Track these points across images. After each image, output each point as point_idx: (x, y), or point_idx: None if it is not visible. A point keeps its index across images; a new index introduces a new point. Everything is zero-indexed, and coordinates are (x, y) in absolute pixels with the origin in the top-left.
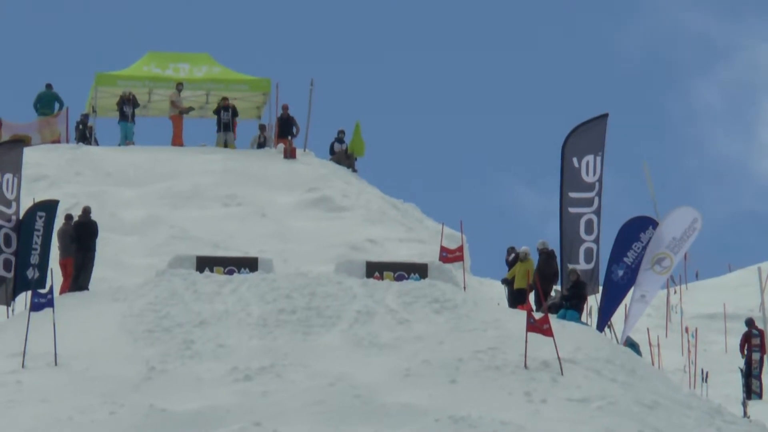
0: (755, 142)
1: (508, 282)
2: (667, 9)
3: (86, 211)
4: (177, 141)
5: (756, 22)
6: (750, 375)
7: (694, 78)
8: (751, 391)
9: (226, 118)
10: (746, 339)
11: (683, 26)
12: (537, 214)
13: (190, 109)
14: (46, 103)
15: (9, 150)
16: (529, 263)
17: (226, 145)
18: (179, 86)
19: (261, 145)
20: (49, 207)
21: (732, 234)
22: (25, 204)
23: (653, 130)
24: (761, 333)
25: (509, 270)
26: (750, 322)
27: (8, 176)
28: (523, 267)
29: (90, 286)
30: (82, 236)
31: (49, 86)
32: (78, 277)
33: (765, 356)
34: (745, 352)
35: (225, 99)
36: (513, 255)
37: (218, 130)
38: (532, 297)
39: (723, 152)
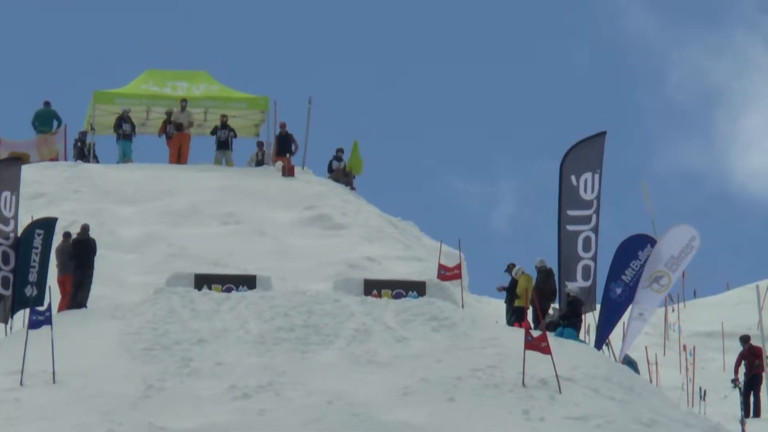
0: (715, 148)
1: (505, 289)
2: (614, 16)
3: (85, 228)
4: (173, 159)
5: (696, 29)
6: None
7: (646, 84)
8: (748, 407)
9: (223, 137)
10: (742, 357)
11: (628, 34)
12: (539, 233)
13: (181, 125)
14: (45, 120)
15: (7, 168)
16: (524, 279)
17: (224, 163)
18: (183, 103)
19: (259, 162)
20: (47, 224)
21: (730, 252)
22: (24, 221)
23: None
24: (757, 349)
25: (508, 286)
26: (745, 339)
27: (6, 194)
28: (521, 284)
29: (88, 304)
30: (81, 254)
31: (47, 104)
32: (76, 295)
33: (763, 373)
34: (741, 369)
35: (223, 117)
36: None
37: (216, 149)
38: (530, 315)
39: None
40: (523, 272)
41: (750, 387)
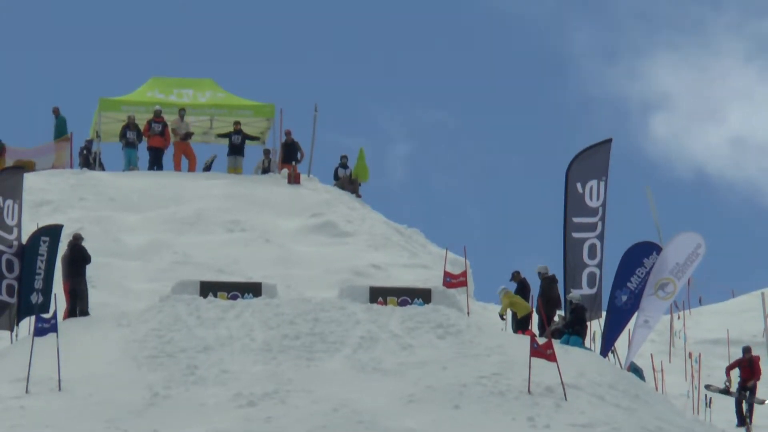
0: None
1: (501, 317)
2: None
3: (76, 237)
4: (177, 168)
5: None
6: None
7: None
8: (743, 417)
9: (237, 141)
10: (738, 364)
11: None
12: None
13: (188, 135)
14: (63, 128)
15: (9, 177)
16: (506, 297)
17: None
18: (181, 112)
19: (265, 170)
20: (53, 232)
21: (736, 260)
22: (29, 229)
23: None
24: (755, 362)
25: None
26: (746, 349)
27: (9, 202)
28: (504, 304)
29: (93, 312)
30: (72, 262)
31: (57, 110)
32: (75, 305)
33: (757, 382)
34: (736, 372)
35: (237, 123)
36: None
37: (229, 154)
38: (535, 322)
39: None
40: (505, 292)
41: (742, 398)
